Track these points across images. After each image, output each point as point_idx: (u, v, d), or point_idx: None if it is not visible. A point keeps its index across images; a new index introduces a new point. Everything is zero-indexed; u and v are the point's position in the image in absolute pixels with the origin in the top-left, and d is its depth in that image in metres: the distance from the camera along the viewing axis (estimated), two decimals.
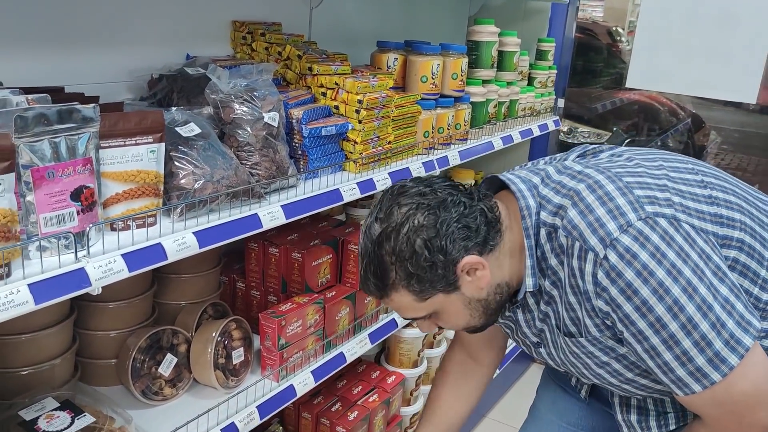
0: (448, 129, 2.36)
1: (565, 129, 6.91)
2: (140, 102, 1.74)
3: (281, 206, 1.63)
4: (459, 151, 2.42)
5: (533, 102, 3.03)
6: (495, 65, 2.64)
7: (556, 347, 1.35)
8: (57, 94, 1.54)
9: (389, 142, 2.06)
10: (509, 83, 2.80)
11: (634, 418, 1.43)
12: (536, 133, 3.03)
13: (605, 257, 1.12)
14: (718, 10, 3.01)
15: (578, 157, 1.41)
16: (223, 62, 1.94)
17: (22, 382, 1.51)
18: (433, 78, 2.26)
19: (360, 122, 1.90)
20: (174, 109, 1.56)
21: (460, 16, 3.33)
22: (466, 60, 2.37)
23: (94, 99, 1.54)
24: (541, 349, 1.41)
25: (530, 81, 3.10)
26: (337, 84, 1.93)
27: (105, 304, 1.69)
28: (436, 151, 2.33)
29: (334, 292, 2.00)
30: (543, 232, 1.23)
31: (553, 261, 1.23)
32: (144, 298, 1.76)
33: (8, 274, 1.12)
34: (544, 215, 1.23)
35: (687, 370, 1.14)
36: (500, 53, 2.74)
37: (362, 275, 1.28)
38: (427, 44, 2.38)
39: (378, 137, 2.00)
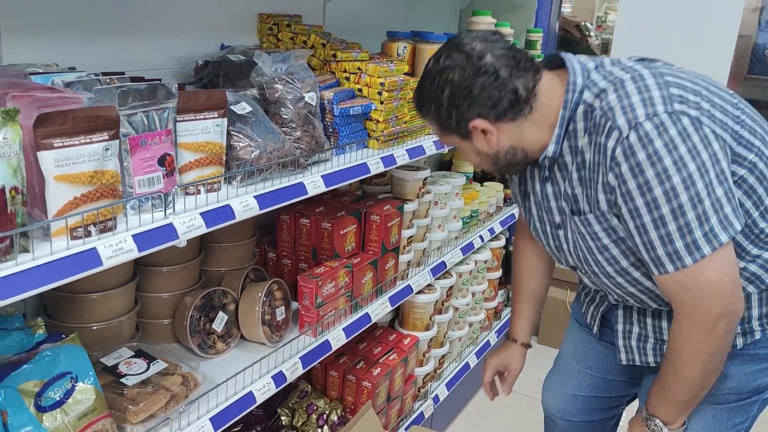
0: None
1: None
2: (188, 86, 1.92)
3: (321, 176, 1.83)
4: None
5: None
6: None
7: (571, 230, 1.53)
8: (121, 77, 1.73)
9: (405, 122, 2.27)
10: None
11: (633, 343, 1.66)
12: None
13: (627, 137, 1.28)
14: (692, 9, 3.26)
15: (636, 60, 1.53)
16: (257, 50, 2.13)
17: (94, 336, 1.69)
18: None
19: (382, 103, 2.11)
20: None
21: (452, 10, 3.55)
22: None
23: (156, 81, 1.73)
24: (560, 232, 1.58)
25: None
26: (359, 69, 2.14)
27: (160, 268, 1.88)
28: None
29: (359, 259, 2.21)
30: (581, 109, 1.39)
31: (583, 140, 1.40)
32: (194, 263, 1.94)
33: (115, 227, 1.31)
34: (587, 95, 1.39)
35: (666, 251, 1.32)
36: None
37: (414, 92, 1.53)
38: (432, 34, 2.59)
39: (396, 117, 2.21)
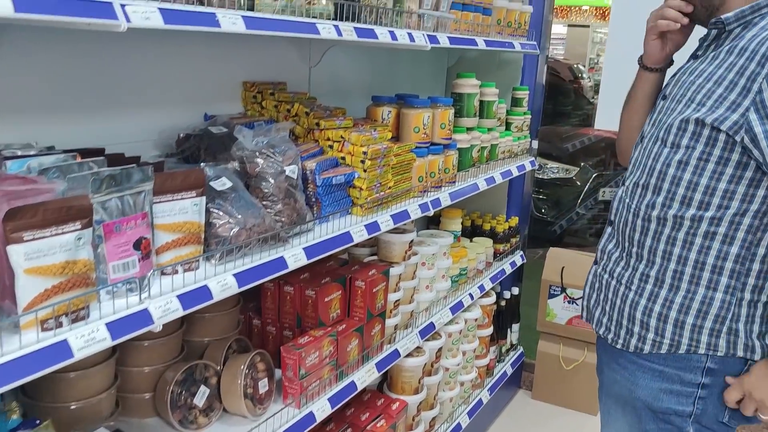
0: (438, 173, 2.59)
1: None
2: (169, 158, 1.93)
3: (303, 249, 1.83)
4: (449, 193, 2.65)
5: (511, 145, 3.29)
6: (477, 114, 2.89)
7: (666, 110, 1.62)
8: (100, 154, 1.74)
9: (389, 188, 2.28)
10: (490, 129, 3.06)
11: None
12: (515, 173, 3.28)
13: None
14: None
15: None
16: (238, 120, 2.15)
17: (72, 415, 1.67)
18: (424, 128, 2.50)
19: (365, 171, 2.12)
20: (204, 165, 1.76)
21: (439, 68, 3.60)
22: (452, 111, 2.62)
23: (135, 159, 1.74)
24: (661, 102, 1.68)
25: (507, 126, 3.37)
26: (342, 137, 2.16)
27: (141, 342, 1.86)
28: (429, 193, 2.55)
29: (345, 325, 2.19)
30: None
31: (754, 34, 1.50)
32: (176, 336, 1.93)
33: (87, 316, 1.30)
34: None
35: None
36: (481, 102, 3.00)
37: None
38: (417, 98, 2.63)
39: (380, 183, 2.22)
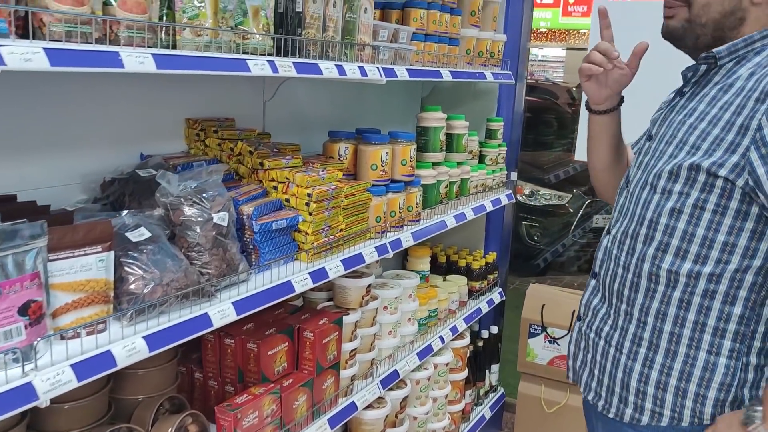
0: (400, 212, 2.45)
1: (527, 192, 7.09)
2: (93, 204, 1.80)
3: (232, 303, 1.68)
4: (412, 233, 2.50)
5: (485, 179, 3.15)
6: (444, 148, 2.76)
7: (655, 152, 1.50)
8: (9, 203, 1.60)
9: (341, 230, 2.13)
10: (460, 163, 2.92)
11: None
12: (489, 208, 3.14)
13: None
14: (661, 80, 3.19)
15: None
16: (177, 160, 2.02)
17: None
18: (382, 165, 2.36)
19: (311, 214, 1.98)
20: (125, 213, 1.62)
21: (412, 99, 3.47)
22: (414, 146, 2.49)
23: (45, 208, 1.60)
24: (647, 144, 1.57)
25: (481, 159, 3.23)
26: (287, 178, 2.02)
27: (60, 405, 1.70)
28: (389, 234, 2.40)
29: (291, 380, 2.03)
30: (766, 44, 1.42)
31: (750, 71, 1.39)
32: (99, 396, 1.77)
33: None
34: None
35: None
36: (449, 136, 2.86)
37: None
38: (377, 133, 2.49)
39: (329, 226, 2.07)
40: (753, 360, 1.42)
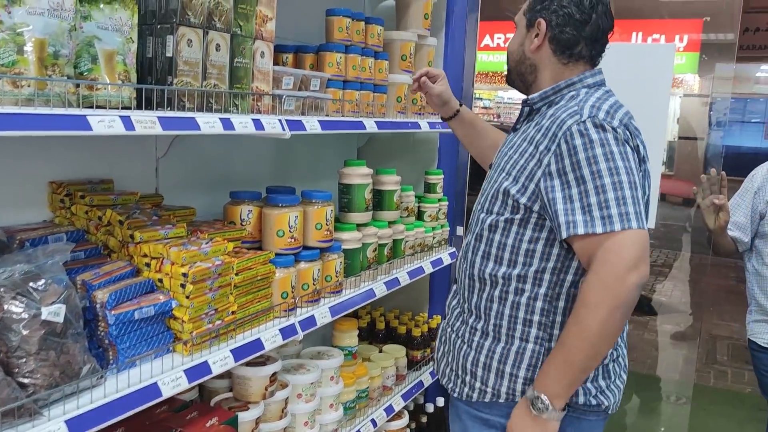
0: (314, 284, 2.12)
1: None
2: None
3: (65, 422, 1.32)
4: (330, 307, 2.17)
5: (423, 237, 2.84)
6: (370, 207, 2.45)
7: (489, 179, 1.82)
8: None
9: (232, 313, 1.79)
10: (391, 222, 2.61)
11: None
12: (429, 269, 2.82)
13: (584, 121, 1.58)
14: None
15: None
16: (30, 232, 1.67)
17: None
18: (291, 231, 2.04)
19: (187, 297, 1.64)
20: None
21: (347, 150, 3.18)
22: (331, 208, 2.17)
23: None
24: (489, 172, 1.87)
25: (420, 215, 2.93)
26: (161, 254, 1.68)
27: None
28: (300, 311, 2.07)
29: None
30: (571, 94, 1.71)
31: (551, 114, 1.67)
32: None
33: None
34: (582, 90, 1.72)
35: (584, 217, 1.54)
36: (378, 192, 2.56)
37: None
38: (289, 192, 2.17)
39: (215, 310, 1.73)
40: (553, 345, 1.68)
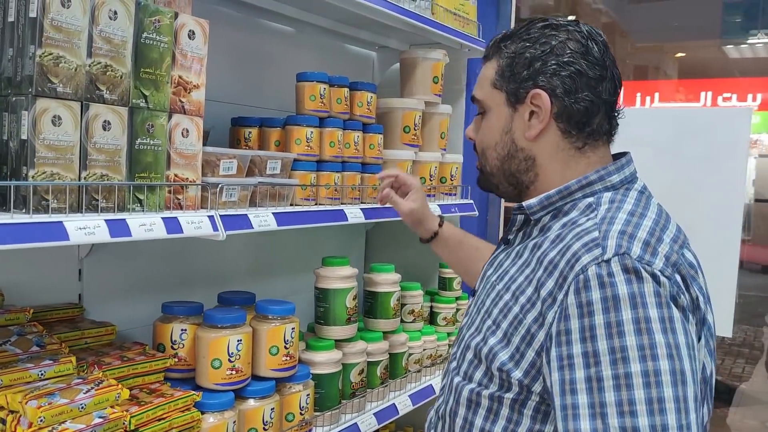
0: (265, 429, 1.60)
1: None
2: None
3: None
4: None
5: (436, 347, 2.30)
6: (354, 318, 1.93)
7: (476, 303, 1.23)
8: None
9: None
10: (388, 333, 2.08)
11: None
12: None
13: (608, 261, 0.98)
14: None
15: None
16: None
17: None
18: (232, 360, 1.55)
19: None
20: None
21: (353, 236, 2.69)
22: (292, 325, 1.67)
23: None
24: (471, 299, 1.32)
25: (432, 318, 2.39)
26: (18, 409, 1.21)
27: None
28: None
29: None
30: (588, 201, 1.13)
31: (559, 229, 1.11)
32: None
33: None
34: (605, 194, 1.14)
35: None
36: (371, 295, 2.05)
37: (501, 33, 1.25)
38: (239, 302, 1.70)
39: None
40: None
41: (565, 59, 1.14)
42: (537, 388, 1.04)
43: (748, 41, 9.30)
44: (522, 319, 1.07)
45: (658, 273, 0.96)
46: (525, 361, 1.05)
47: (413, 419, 2.72)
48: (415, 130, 2.19)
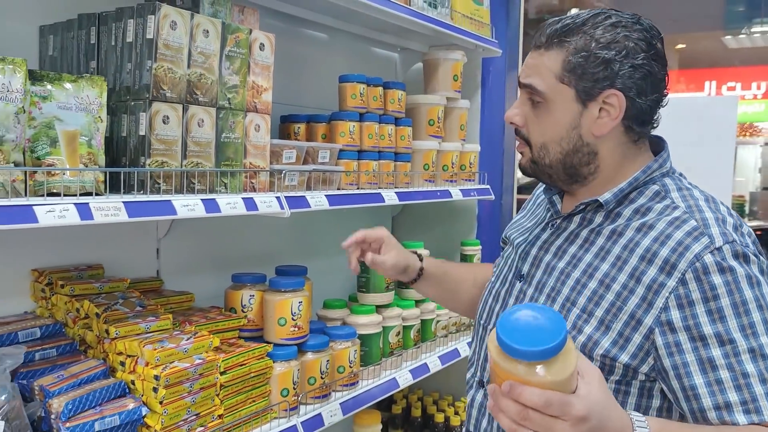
0: (322, 378, 1.90)
1: None
2: None
3: None
4: (342, 403, 1.94)
5: (458, 315, 2.59)
6: (392, 286, 2.23)
7: (540, 289, 1.29)
8: None
9: (219, 417, 1.59)
10: (419, 302, 2.37)
11: None
12: (466, 351, 2.55)
13: (720, 248, 1.12)
14: None
15: None
16: (5, 326, 1.53)
17: None
18: (294, 319, 1.84)
19: (161, 403, 1.45)
20: None
21: (380, 220, 2.98)
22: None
23: None
24: (518, 284, 1.35)
25: None
26: (136, 353, 1.50)
27: None
28: (305, 407, 1.85)
29: None
30: (654, 188, 1.25)
31: (636, 219, 1.22)
32: None
33: None
34: (668, 180, 1.26)
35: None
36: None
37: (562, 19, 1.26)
38: (297, 273, 1.98)
39: (197, 415, 1.53)
40: None
41: (638, 62, 1.19)
42: (645, 368, 1.15)
43: (751, 30, 9.48)
44: (621, 306, 1.16)
45: (755, 253, 1.14)
46: (632, 345, 1.14)
47: (439, 384, 3.02)
48: (438, 123, 2.48)
